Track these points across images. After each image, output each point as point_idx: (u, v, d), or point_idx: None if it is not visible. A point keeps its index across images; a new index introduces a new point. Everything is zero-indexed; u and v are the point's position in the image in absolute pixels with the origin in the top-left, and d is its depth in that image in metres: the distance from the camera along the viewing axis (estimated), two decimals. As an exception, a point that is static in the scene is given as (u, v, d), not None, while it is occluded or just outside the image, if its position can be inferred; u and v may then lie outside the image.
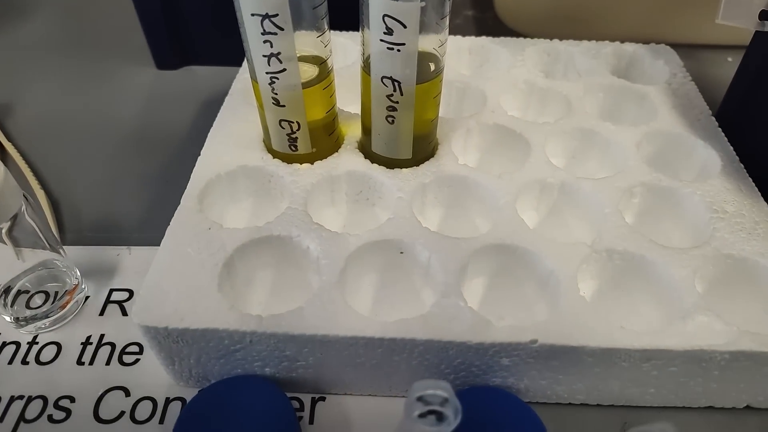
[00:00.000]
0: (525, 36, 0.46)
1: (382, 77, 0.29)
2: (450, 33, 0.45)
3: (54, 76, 0.52)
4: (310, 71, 0.30)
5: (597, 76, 0.42)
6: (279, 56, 0.28)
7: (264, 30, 0.27)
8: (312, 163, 0.33)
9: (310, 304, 0.26)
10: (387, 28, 0.27)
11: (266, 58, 0.28)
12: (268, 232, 0.30)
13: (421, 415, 0.21)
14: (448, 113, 0.41)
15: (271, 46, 0.28)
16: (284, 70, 0.29)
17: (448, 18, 0.29)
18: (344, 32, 0.44)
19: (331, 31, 0.42)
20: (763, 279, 0.30)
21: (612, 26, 0.52)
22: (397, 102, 0.30)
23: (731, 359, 0.26)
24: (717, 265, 0.30)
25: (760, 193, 0.33)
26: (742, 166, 0.35)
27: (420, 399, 0.20)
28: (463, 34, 0.45)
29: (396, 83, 0.29)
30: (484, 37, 0.45)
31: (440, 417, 0.20)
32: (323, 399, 0.30)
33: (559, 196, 0.34)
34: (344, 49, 0.43)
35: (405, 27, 0.27)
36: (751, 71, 0.40)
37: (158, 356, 0.28)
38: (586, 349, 0.26)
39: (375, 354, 0.26)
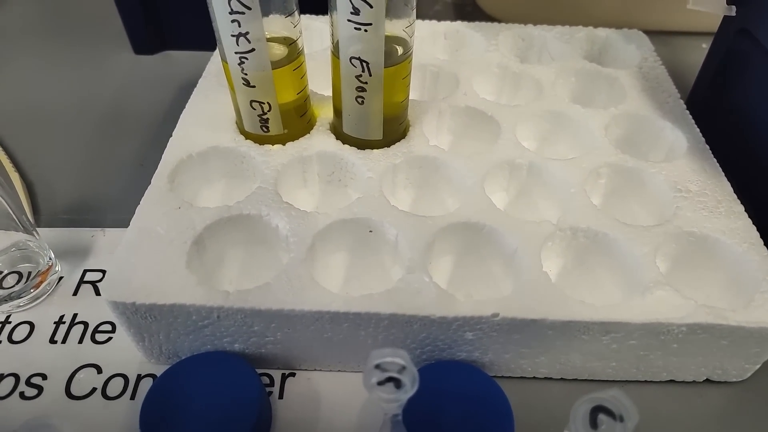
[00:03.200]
0: (503, 22, 0.46)
1: (351, 58, 0.30)
2: (428, 18, 0.46)
3: (31, 61, 0.52)
4: (279, 52, 0.31)
5: (569, 61, 0.42)
6: (247, 36, 0.28)
7: (231, 9, 0.27)
8: (284, 144, 0.34)
9: (277, 280, 0.27)
10: (354, 8, 0.27)
11: (235, 38, 0.28)
12: (238, 211, 0.30)
13: (380, 383, 0.21)
14: (422, 96, 0.41)
15: (239, 26, 0.28)
16: (253, 50, 0.29)
17: (415, 0, 0.29)
18: (321, 16, 0.44)
19: (308, 15, 0.43)
20: (723, 256, 0.30)
21: (589, 14, 0.53)
22: (366, 83, 0.30)
23: (688, 332, 0.27)
24: (679, 242, 0.30)
25: (723, 173, 0.34)
26: (707, 147, 0.35)
27: (378, 367, 0.21)
28: (442, 21, 0.46)
29: (364, 63, 0.30)
30: (459, 22, 0.45)
31: (398, 384, 0.21)
32: (293, 375, 0.30)
33: (528, 177, 0.34)
34: (320, 34, 0.43)
35: (371, 7, 0.27)
36: (719, 56, 0.41)
37: (128, 333, 0.28)
38: (546, 322, 0.26)
39: (341, 329, 0.27)
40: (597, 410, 0.21)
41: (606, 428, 0.20)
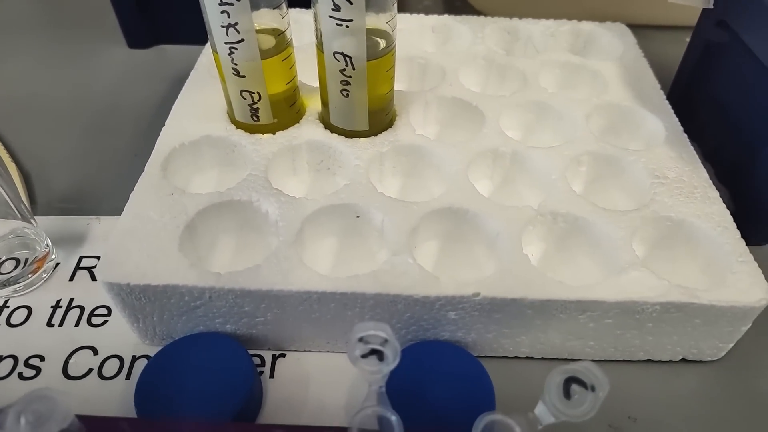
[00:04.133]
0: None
1: (334, 53, 0.31)
2: (418, 13, 0.47)
3: (26, 55, 0.52)
4: (268, 43, 0.32)
5: (554, 53, 0.43)
6: (236, 26, 0.29)
7: (221, 0, 0.28)
8: (273, 133, 0.35)
9: (266, 261, 0.28)
10: (334, 4, 0.28)
11: (224, 29, 0.29)
12: (229, 197, 0.31)
13: (363, 356, 0.22)
14: (410, 87, 0.42)
15: (229, 17, 0.29)
16: (242, 40, 0.30)
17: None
18: (311, 10, 0.45)
19: (299, 9, 0.44)
20: (699, 239, 0.31)
21: (574, 8, 0.54)
22: (350, 76, 0.31)
23: (662, 311, 0.28)
24: (656, 226, 0.32)
25: (700, 161, 0.35)
26: (685, 135, 0.37)
27: (361, 340, 0.22)
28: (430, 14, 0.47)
29: (347, 58, 0.31)
30: (446, 16, 0.46)
31: (381, 357, 0.22)
32: (283, 355, 0.31)
33: (511, 165, 0.35)
34: (311, 27, 0.44)
35: (351, 3, 0.28)
36: (699, 47, 0.42)
37: (123, 314, 0.29)
38: (525, 301, 0.27)
39: (328, 309, 0.28)
40: (570, 381, 0.22)
41: (578, 397, 0.22)
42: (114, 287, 0.27)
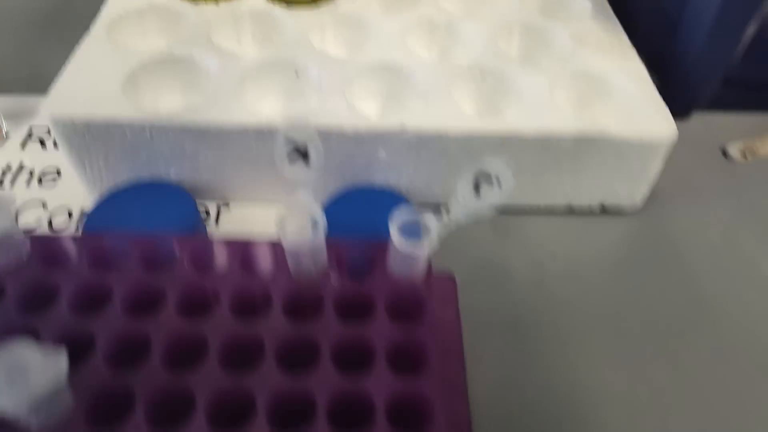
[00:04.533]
0: None
1: None
2: None
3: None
4: None
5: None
6: None
7: None
8: (217, 3, 0.36)
9: (205, 101, 0.29)
10: None
11: None
12: (171, 52, 0.32)
13: (291, 161, 0.24)
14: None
15: None
16: None
17: None
18: None
19: None
20: (616, 90, 0.33)
21: None
22: (289, -64, 0.33)
23: (576, 146, 0.30)
24: (576, 79, 0.34)
25: (623, 30, 0.37)
26: (612, 13, 0.39)
27: (289, 142, 0.24)
28: None
29: None
30: None
31: (306, 158, 0.24)
32: (227, 205, 0.33)
33: (447, 34, 0.37)
34: None
35: None
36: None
37: (69, 158, 0.30)
38: (448, 136, 0.29)
39: (266, 147, 0.30)
40: (479, 181, 0.24)
41: (485, 192, 0.24)
42: (59, 123, 0.28)
